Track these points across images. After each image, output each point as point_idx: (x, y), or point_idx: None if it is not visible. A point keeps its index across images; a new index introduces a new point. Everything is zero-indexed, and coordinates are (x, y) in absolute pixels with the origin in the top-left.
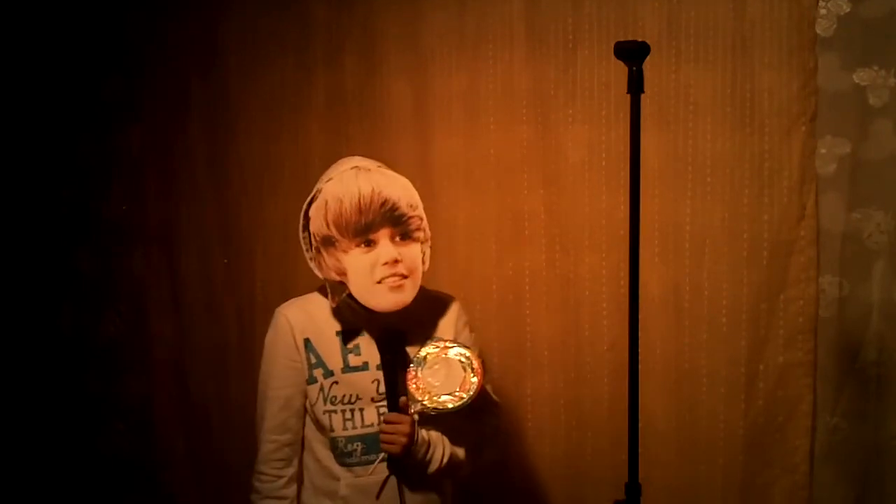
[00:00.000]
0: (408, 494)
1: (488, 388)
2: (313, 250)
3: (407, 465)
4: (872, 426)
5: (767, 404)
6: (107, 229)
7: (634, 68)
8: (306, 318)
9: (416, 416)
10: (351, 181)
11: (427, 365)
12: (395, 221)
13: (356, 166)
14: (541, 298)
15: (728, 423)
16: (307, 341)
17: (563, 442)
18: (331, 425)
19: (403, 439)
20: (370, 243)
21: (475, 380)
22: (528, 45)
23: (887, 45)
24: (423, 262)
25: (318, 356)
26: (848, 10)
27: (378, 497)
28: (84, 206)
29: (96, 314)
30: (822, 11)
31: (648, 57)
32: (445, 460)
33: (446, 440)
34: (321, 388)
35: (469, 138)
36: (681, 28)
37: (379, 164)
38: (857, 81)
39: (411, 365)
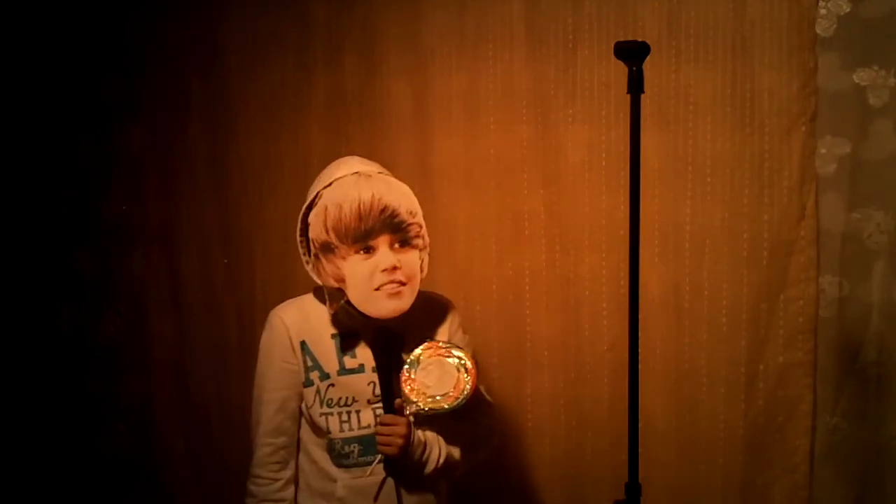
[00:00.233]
0: (404, 495)
1: (482, 388)
2: (311, 256)
3: (404, 466)
4: (872, 426)
5: (767, 404)
6: (107, 229)
7: (634, 68)
8: (302, 320)
9: (411, 417)
10: (351, 187)
11: (421, 366)
12: (395, 228)
13: (357, 172)
14: (541, 298)
15: (728, 423)
16: (303, 343)
17: (563, 442)
18: (327, 427)
19: (400, 440)
20: (369, 250)
21: (469, 379)
22: (528, 45)
23: (887, 45)
24: (422, 269)
25: (314, 359)
26: (848, 10)
27: (376, 499)
28: (84, 206)
29: (96, 314)
30: (822, 11)
31: (648, 57)
32: (442, 460)
33: (442, 440)
34: (317, 391)
35: (469, 138)
36: (681, 28)
37: (379, 168)
38: (857, 81)
39: (405, 366)
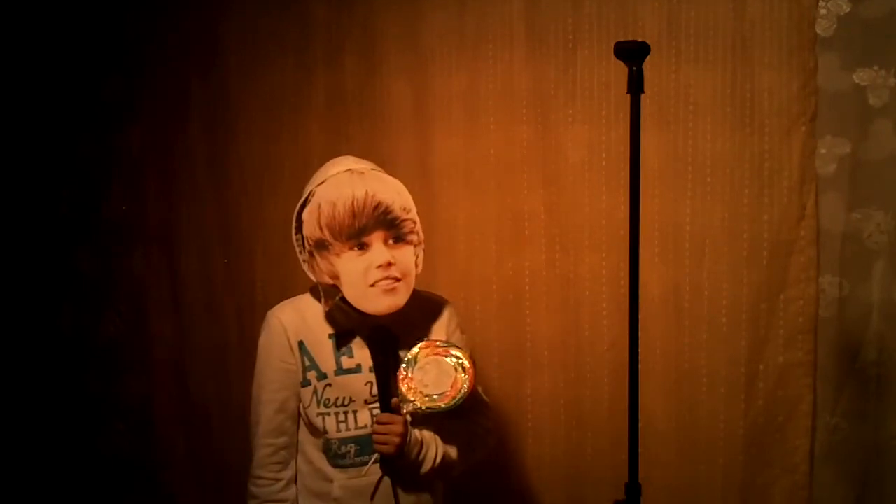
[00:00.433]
0: (401, 495)
1: (479, 388)
2: (306, 253)
3: (400, 466)
4: (872, 426)
5: (767, 404)
6: (107, 229)
7: (634, 68)
8: (300, 320)
9: (408, 417)
10: (344, 184)
11: (418, 365)
12: (389, 225)
13: (350, 169)
14: (541, 298)
15: (728, 423)
16: (301, 343)
17: (563, 442)
18: (324, 427)
19: (396, 439)
20: (363, 247)
21: (466, 379)
22: (528, 45)
23: (887, 45)
24: (417, 265)
25: (311, 358)
26: (848, 10)
27: (372, 498)
28: (84, 206)
29: (96, 314)
30: (822, 11)
31: (648, 57)
32: (438, 460)
33: (439, 440)
34: (315, 391)
35: (469, 138)
36: (681, 28)
37: (373, 166)
38: (857, 81)
39: (403, 365)
